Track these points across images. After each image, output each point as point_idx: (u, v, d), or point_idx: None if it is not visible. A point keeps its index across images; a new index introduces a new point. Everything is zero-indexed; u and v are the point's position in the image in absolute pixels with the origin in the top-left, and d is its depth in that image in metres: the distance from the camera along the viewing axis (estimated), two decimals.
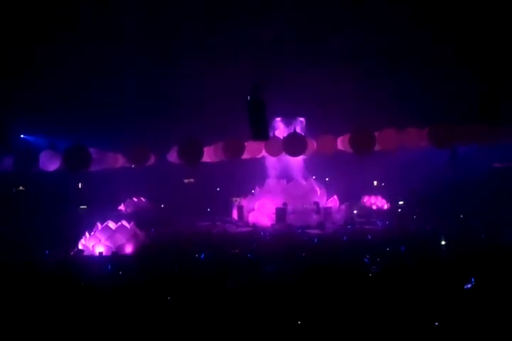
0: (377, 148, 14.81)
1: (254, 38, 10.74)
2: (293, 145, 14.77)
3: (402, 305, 6.74)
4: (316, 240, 15.29)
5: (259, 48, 11.05)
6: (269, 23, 10.07)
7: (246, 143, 15.24)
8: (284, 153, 15.60)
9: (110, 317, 6.57)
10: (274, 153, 15.58)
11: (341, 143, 16.75)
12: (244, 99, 12.69)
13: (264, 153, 17.83)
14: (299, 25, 10.39)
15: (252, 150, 15.54)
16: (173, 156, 16.57)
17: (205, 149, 16.83)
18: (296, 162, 22.98)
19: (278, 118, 21.78)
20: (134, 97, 14.30)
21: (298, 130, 16.61)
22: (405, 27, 10.25)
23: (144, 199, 27.06)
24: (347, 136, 14.92)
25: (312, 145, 16.04)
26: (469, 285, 7.62)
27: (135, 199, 26.67)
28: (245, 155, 17.51)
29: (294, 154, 15.50)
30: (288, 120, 21.44)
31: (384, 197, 25.82)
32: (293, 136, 14.98)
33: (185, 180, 29.71)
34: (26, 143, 15.32)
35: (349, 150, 15.83)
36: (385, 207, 25.38)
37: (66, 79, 12.74)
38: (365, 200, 26.01)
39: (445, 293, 7.18)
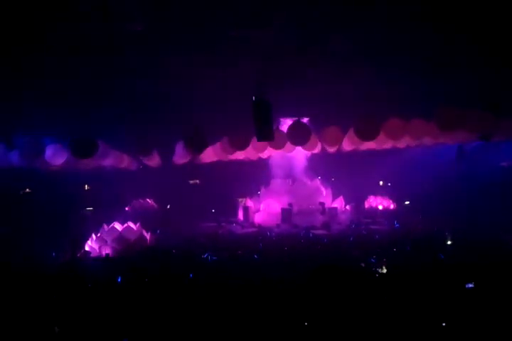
0: (382, 137, 14.78)
1: (260, 39, 10.74)
2: (297, 134, 14.74)
3: (409, 306, 6.71)
4: (325, 240, 15.23)
5: (265, 49, 11.05)
6: (271, 24, 10.07)
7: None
8: (288, 143, 15.58)
9: (116, 318, 6.60)
10: (278, 146, 15.47)
11: (346, 142, 16.76)
12: (249, 100, 12.70)
13: (268, 151, 17.89)
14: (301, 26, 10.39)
15: (257, 146, 15.52)
16: (179, 154, 16.65)
17: (211, 148, 16.97)
18: (302, 162, 22.96)
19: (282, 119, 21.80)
20: (139, 100, 14.37)
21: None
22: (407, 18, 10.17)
23: (149, 201, 27.13)
24: (352, 132, 14.99)
25: (317, 141, 16.10)
26: (470, 285, 7.57)
27: (141, 201, 26.74)
28: (250, 153, 17.56)
29: (298, 143, 15.41)
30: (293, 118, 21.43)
31: (390, 197, 25.72)
32: (296, 125, 14.94)
33: (191, 181, 29.72)
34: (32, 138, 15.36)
35: (355, 143, 15.80)
36: (391, 207, 25.28)
37: (69, 81, 12.81)
38: (370, 200, 25.92)
39: (451, 294, 7.15)
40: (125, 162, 18.14)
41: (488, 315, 6.23)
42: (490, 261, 9.56)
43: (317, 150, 18.81)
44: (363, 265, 10.41)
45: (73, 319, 6.57)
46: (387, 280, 8.31)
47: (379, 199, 25.85)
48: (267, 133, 13.41)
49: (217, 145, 16.84)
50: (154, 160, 17.81)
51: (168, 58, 12.32)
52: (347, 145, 17.78)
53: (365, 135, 14.49)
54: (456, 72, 12.42)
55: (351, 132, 15.30)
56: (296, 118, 15.51)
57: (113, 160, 17.17)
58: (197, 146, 15.07)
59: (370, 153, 19.71)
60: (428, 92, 13.56)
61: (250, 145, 15.83)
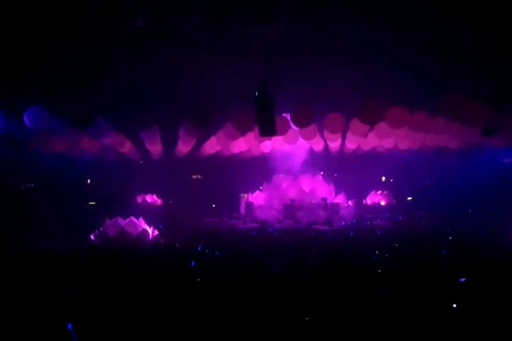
0: (384, 127, 14.71)
1: (262, 35, 10.74)
2: (301, 115, 14.69)
3: (411, 301, 6.74)
4: (330, 236, 15.23)
5: (268, 45, 11.05)
6: (275, 21, 10.07)
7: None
8: (290, 132, 15.53)
9: (117, 313, 6.65)
10: (281, 132, 15.43)
11: (349, 136, 16.75)
12: (251, 95, 12.69)
13: (271, 142, 17.86)
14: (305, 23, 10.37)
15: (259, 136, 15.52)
16: (182, 137, 16.63)
17: (213, 137, 16.94)
18: (304, 157, 22.97)
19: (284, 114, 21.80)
20: (138, 96, 14.39)
21: None
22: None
23: (152, 196, 27.20)
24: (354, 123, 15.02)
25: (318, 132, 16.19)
26: (463, 279, 7.58)
27: (144, 196, 26.80)
28: (253, 144, 17.49)
29: (302, 125, 15.35)
30: None
31: (392, 193, 25.72)
32: (301, 106, 14.89)
33: (194, 177, 29.77)
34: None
35: (358, 132, 15.75)
36: (394, 202, 25.29)
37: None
38: (373, 196, 25.92)
39: (452, 289, 7.17)
40: (127, 145, 18.02)
41: (489, 313, 6.25)
42: (490, 257, 9.59)
43: (320, 146, 18.81)
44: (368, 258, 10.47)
45: (79, 313, 6.62)
46: (389, 275, 8.33)
47: (381, 195, 25.84)
48: (269, 129, 13.40)
49: (220, 133, 16.85)
50: (156, 145, 17.70)
51: (166, 54, 12.39)
52: (350, 142, 17.78)
53: (368, 117, 14.32)
54: (459, 71, 12.40)
55: (354, 122, 15.30)
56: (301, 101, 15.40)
57: (113, 139, 16.92)
58: (203, 121, 14.89)
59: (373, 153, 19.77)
60: (430, 91, 13.51)
61: (253, 134, 15.80)
